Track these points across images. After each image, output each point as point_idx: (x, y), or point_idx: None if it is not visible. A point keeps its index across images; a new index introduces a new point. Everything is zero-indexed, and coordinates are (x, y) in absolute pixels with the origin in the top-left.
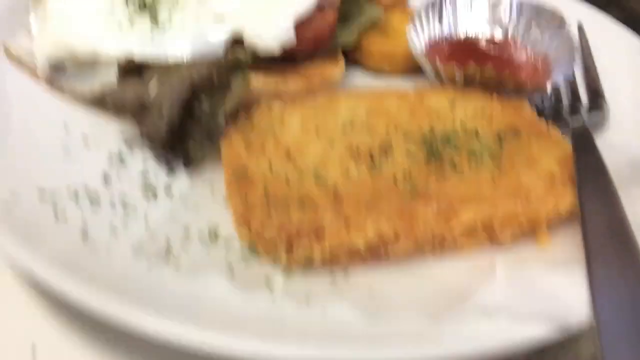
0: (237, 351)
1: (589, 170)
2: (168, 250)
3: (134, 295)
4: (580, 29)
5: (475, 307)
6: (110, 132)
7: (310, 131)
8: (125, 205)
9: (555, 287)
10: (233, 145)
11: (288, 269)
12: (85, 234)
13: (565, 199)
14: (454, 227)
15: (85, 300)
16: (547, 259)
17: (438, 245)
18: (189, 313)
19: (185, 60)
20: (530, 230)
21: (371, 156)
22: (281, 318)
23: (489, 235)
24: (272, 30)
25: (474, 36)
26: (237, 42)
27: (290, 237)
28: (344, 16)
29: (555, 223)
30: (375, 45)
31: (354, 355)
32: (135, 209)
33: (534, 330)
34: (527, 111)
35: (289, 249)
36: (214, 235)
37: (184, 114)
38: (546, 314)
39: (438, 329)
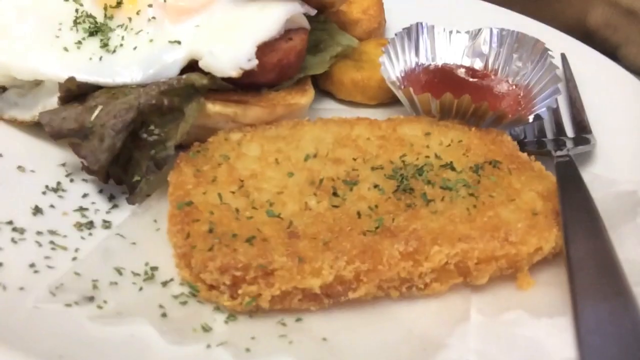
0: None
1: (574, 205)
2: (94, 290)
3: (30, 340)
4: (564, 59)
5: (447, 358)
6: (50, 161)
7: (268, 162)
8: (53, 240)
9: (536, 335)
10: (182, 176)
11: (232, 315)
12: None
13: (549, 237)
14: (423, 267)
15: None
16: (529, 302)
17: (405, 288)
18: None
19: (134, 85)
20: (510, 271)
21: (334, 189)
22: None
23: (463, 276)
24: (231, 55)
25: (452, 66)
26: (193, 67)
27: (236, 279)
28: (316, 45)
29: (538, 263)
30: (348, 75)
31: None
32: (64, 245)
33: None
34: (508, 142)
35: (234, 292)
36: (149, 276)
37: (130, 143)
38: None
39: None
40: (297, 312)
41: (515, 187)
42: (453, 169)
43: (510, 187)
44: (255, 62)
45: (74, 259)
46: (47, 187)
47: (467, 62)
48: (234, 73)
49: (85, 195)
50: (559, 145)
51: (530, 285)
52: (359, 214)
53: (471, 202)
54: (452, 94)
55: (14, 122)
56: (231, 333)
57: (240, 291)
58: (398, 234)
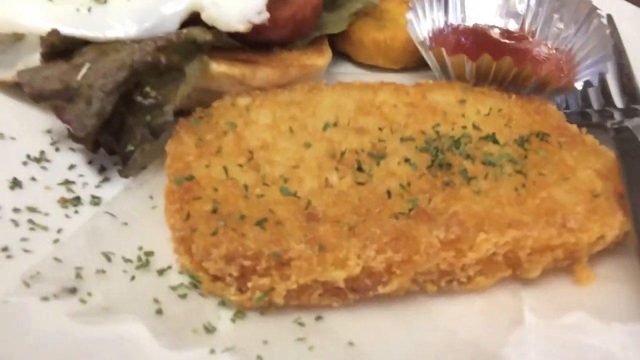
0: None
1: None
2: (77, 280)
3: None
4: (610, 20)
5: None
6: (34, 127)
7: (281, 130)
8: (32, 219)
9: (608, 347)
10: (182, 146)
11: (240, 312)
12: None
13: (613, 223)
14: (467, 258)
15: None
16: (591, 302)
17: (445, 282)
18: None
19: (127, 41)
20: (566, 262)
21: (358, 163)
22: None
23: (512, 268)
24: (239, 6)
25: (484, 27)
26: (195, 20)
27: (244, 269)
28: (333, 1)
29: (597, 254)
30: (369, 35)
31: None
32: (44, 225)
33: None
34: (554, 112)
35: (242, 285)
36: (143, 263)
37: (122, 107)
38: None
39: None
40: (316, 309)
41: (569, 163)
42: (495, 141)
43: (562, 163)
44: (267, 15)
45: (56, 241)
46: (28, 156)
47: (500, 23)
48: (241, 27)
49: (72, 167)
50: (606, 117)
51: (590, 280)
52: (389, 193)
53: (519, 181)
54: (490, 56)
55: None
56: (239, 335)
57: (249, 284)
58: (436, 217)
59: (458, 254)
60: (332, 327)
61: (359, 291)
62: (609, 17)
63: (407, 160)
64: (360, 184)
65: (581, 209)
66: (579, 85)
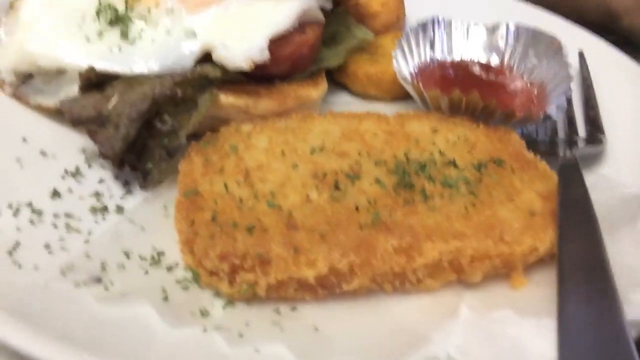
0: None
1: (572, 207)
2: (102, 272)
3: (39, 316)
4: (581, 56)
5: (430, 353)
6: (71, 146)
7: (275, 153)
8: (68, 223)
9: (520, 335)
10: (192, 165)
11: (230, 301)
12: (15, 248)
13: (545, 238)
14: (416, 263)
15: None
16: (519, 302)
17: (398, 282)
18: (101, 342)
19: (150, 75)
20: (504, 270)
21: (336, 182)
22: (207, 353)
23: (456, 273)
24: (243, 47)
25: (467, 62)
26: (207, 58)
27: (234, 266)
28: (332, 37)
29: (533, 263)
30: (362, 68)
31: None
32: (78, 228)
33: None
34: (515, 140)
35: (232, 279)
36: (155, 261)
37: (144, 131)
38: None
39: None
40: (292, 301)
41: (516, 186)
42: (455, 166)
43: (511, 186)
44: (267, 55)
45: (86, 241)
46: (66, 171)
47: (484, 57)
48: (245, 65)
49: (101, 181)
50: (570, 145)
51: (522, 285)
52: (357, 207)
53: (470, 200)
54: (460, 91)
55: (39, 108)
56: (227, 319)
57: (238, 278)
58: (393, 228)
59: (409, 259)
60: (304, 315)
61: (327, 288)
62: (580, 53)
63: (377, 180)
64: (335, 199)
65: (518, 225)
66: (541, 116)
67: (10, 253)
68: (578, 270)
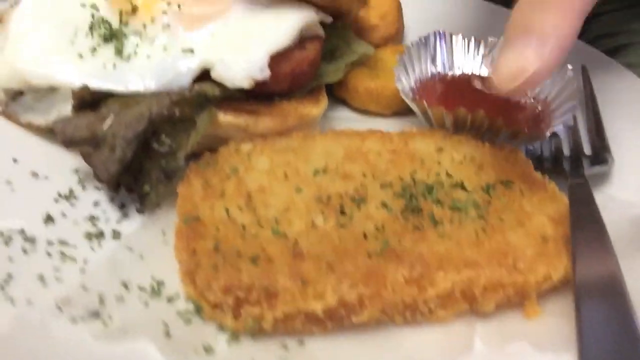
0: None
1: (585, 233)
2: (100, 305)
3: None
4: (585, 72)
5: None
6: (64, 167)
7: (277, 176)
8: (63, 251)
9: None
10: (191, 188)
11: (235, 335)
12: (7, 281)
13: (559, 265)
14: (428, 293)
15: None
16: (535, 333)
17: (409, 314)
18: None
19: (146, 94)
20: (517, 299)
21: (341, 207)
22: None
23: (469, 303)
24: (243, 65)
25: (469, 76)
26: (205, 76)
27: (238, 299)
28: (331, 52)
29: (547, 291)
30: (362, 83)
31: None
32: (73, 256)
33: None
34: (522, 160)
35: (237, 312)
36: (156, 292)
37: (141, 153)
38: None
39: None
40: (300, 335)
41: (526, 209)
42: (464, 188)
43: (521, 209)
44: (268, 72)
45: (82, 270)
46: (59, 194)
47: (486, 72)
48: (245, 84)
49: (96, 204)
50: (576, 164)
51: (536, 315)
52: (365, 234)
53: (480, 225)
54: (465, 108)
55: (30, 127)
56: (232, 355)
57: (243, 312)
58: (403, 257)
59: (420, 290)
60: (312, 349)
61: (336, 320)
62: (584, 67)
63: (384, 204)
64: (341, 225)
65: (531, 252)
66: (547, 135)
67: (2, 287)
68: (596, 296)
